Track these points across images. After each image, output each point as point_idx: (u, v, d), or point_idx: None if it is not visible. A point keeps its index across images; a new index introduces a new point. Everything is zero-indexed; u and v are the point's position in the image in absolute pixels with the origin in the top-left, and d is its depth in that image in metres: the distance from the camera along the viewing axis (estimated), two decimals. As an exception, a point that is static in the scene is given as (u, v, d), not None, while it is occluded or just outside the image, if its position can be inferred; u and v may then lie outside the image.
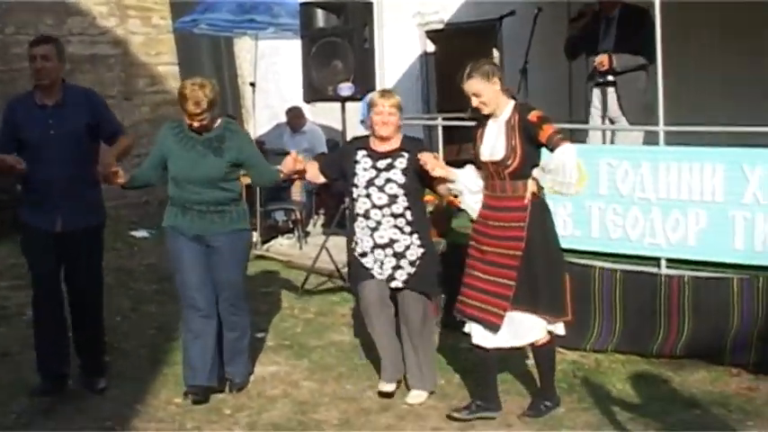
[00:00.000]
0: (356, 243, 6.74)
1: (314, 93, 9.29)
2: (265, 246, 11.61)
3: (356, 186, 6.68)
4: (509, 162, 6.06)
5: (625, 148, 8.43)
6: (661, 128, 7.55)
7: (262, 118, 14.84)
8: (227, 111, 14.66)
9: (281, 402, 6.74)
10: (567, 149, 5.94)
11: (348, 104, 9.28)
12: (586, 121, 9.40)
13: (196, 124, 6.60)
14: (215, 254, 6.72)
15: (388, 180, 6.62)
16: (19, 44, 13.65)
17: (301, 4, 9.11)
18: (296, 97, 11.82)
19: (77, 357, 7.10)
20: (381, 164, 6.67)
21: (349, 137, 9.47)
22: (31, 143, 6.70)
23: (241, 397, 6.81)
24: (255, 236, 10.93)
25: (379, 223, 6.62)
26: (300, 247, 11.59)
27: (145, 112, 15.02)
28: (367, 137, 6.87)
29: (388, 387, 6.75)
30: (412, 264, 6.63)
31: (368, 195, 6.63)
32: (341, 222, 9.64)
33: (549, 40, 10.66)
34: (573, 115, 11.05)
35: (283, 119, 13.53)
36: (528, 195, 6.10)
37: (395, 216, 6.60)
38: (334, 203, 11.79)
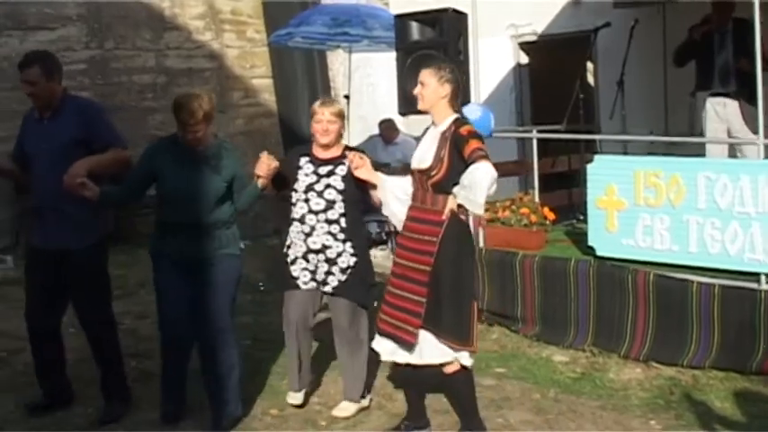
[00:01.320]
0: (288, 248, 6.75)
1: (409, 105, 9.21)
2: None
3: (295, 191, 6.70)
4: (433, 173, 5.91)
5: (723, 161, 8.34)
6: (761, 141, 7.44)
7: (355, 130, 14.89)
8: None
9: (375, 415, 6.76)
10: (482, 167, 5.68)
11: (443, 117, 9.26)
12: (693, 134, 9.30)
13: (190, 136, 6.33)
14: (203, 281, 6.44)
15: (328, 186, 6.65)
16: (118, 59, 13.94)
17: (396, 17, 9.13)
18: (389, 109, 11.88)
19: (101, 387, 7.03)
20: (323, 170, 6.70)
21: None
22: (29, 156, 6.76)
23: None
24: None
25: (313, 228, 6.63)
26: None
27: (239, 125, 15.16)
28: (310, 145, 6.86)
29: (293, 398, 6.86)
30: (343, 271, 6.64)
31: (306, 200, 6.66)
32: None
33: (646, 52, 10.59)
34: (669, 127, 10.95)
35: (376, 131, 13.57)
36: (447, 211, 5.87)
37: (329, 222, 6.62)
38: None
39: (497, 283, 8.61)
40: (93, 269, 6.78)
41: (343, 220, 6.62)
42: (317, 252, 6.62)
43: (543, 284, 8.27)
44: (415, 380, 6.27)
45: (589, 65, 12.45)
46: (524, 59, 13.90)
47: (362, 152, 6.70)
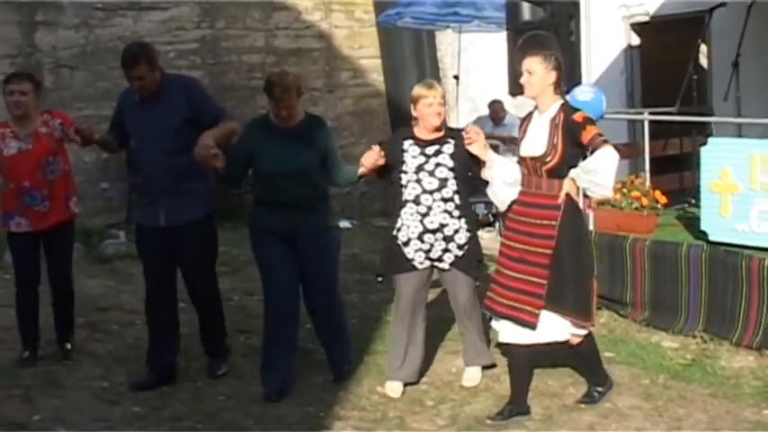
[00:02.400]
0: (398, 230, 6.73)
1: (519, 85, 9.22)
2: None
3: (405, 173, 6.69)
4: (548, 159, 6.02)
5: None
6: None
7: (463, 110, 14.85)
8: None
9: (482, 396, 6.73)
10: (608, 152, 5.90)
11: (553, 98, 9.20)
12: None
13: (284, 112, 6.59)
14: (307, 252, 6.74)
15: (438, 165, 6.65)
16: (228, 39, 14.09)
17: (508, -2, 9.08)
18: (497, 90, 11.82)
19: (202, 344, 7.34)
20: (429, 150, 6.70)
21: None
22: (135, 138, 6.97)
23: (444, 389, 6.85)
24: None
25: (429, 208, 6.62)
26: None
27: (348, 105, 15.23)
28: (410, 128, 6.84)
29: (392, 389, 6.84)
30: (460, 247, 6.68)
31: (418, 180, 6.65)
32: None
33: (763, 32, 10.34)
34: (786, 110, 10.70)
35: (484, 111, 13.52)
36: (563, 195, 6.02)
37: (445, 200, 6.61)
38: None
39: (607, 266, 8.50)
40: (205, 241, 7.03)
41: (456, 198, 6.64)
42: (434, 231, 6.64)
43: (653, 269, 8.14)
44: (526, 362, 6.35)
45: (703, 46, 12.21)
46: (636, 41, 13.68)
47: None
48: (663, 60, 12.50)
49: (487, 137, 6.76)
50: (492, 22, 12.04)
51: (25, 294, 7.47)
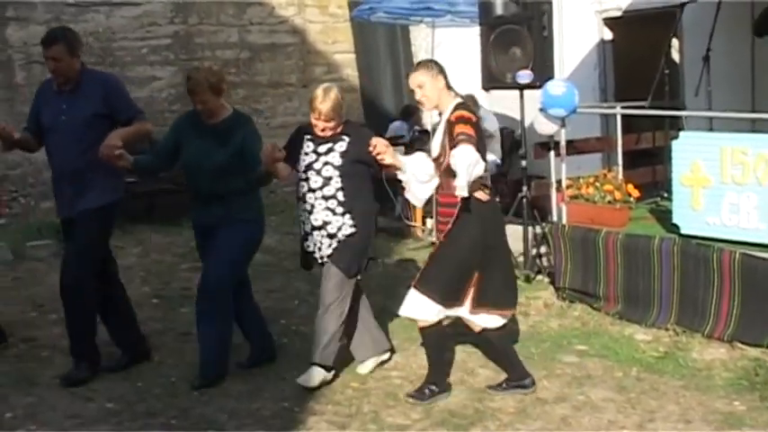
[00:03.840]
0: (300, 227, 6.90)
1: (492, 80, 9.30)
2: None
3: (298, 171, 6.78)
4: (441, 159, 6.29)
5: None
6: None
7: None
8: (404, 100, 14.75)
9: (457, 390, 6.73)
10: (458, 151, 5.97)
11: (526, 92, 9.24)
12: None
13: (199, 106, 6.79)
14: (212, 243, 6.90)
15: (326, 163, 6.70)
16: (201, 34, 14.07)
17: (480, -8, 9.11)
18: (470, 85, 11.82)
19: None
20: (322, 148, 6.75)
21: (527, 125, 9.49)
22: (46, 128, 6.96)
23: (417, 382, 6.82)
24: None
25: (312, 206, 6.70)
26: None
27: (322, 100, 15.22)
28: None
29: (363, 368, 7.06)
30: (340, 242, 6.73)
31: (306, 179, 6.73)
32: (517, 211, 9.57)
33: (732, 27, 10.41)
34: (756, 104, 10.77)
35: (458, 106, 13.53)
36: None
37: (326, 198, 6.67)
38: (508, 191, 11.74)
39: (579, 259, 8.55)
40: (92, 233, 6.96)
41: (340, 194, 6.68)
42: (319, 228, 6.73)
43: (626, 262, 8.19)
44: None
45: (674, 41, 12.26)
46: (608, 35, 13.72)
47: (368, 132, 6.78)
48: (635, 55, 12.56)
49: None
50: (465, 17, 12.03)
51: None
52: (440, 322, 6.52)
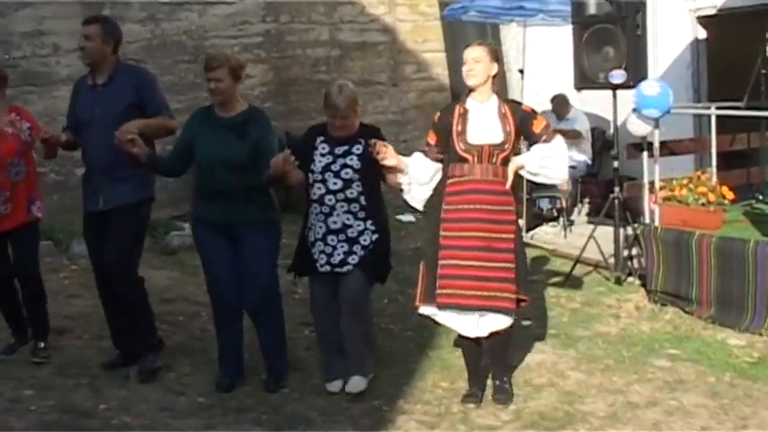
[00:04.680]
0: (309, 230, 6.74)
1: (585, 80, 9.23)
2: (530, 233, 11.56)
3: (312, 172, 6.65)
4: (506, 146, 6.23)
5: None
6: None
7: (528, 105, 14.76)
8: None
9: (546, 392, 6.71)
10: (561, 143, 6.31)
11: (619, 92, 9.15)
12: None
13: (212, 85, 6.58)
14: (242, 244, 6.66)
15: (345, 166, 6.60)
16: (293, 32, 14.13)
17: (573, -9, 9.05)
18: (563, 84, 11.75)
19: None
20: (339, 150, 6.65)
21: (619, 125, 9.39)
22: (81, 121, 6.95)
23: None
24: (521, 223, 10.92)
25: (332, 208, 6.60)
26: (565, 236, 11.49)
27: (411, 99, 15.22)
28: (325, 124, 6.79)
29: (332, 387, 6.78)
30: (364, 248, 6.61)
31: (323, 181, 6.61)
32: (609, 212, 9.49)
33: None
34: None
35: (549, 106, 13.45)
36: (510, 180, 6.27)
37: (348, 201, 6.58)
38: (599, 192, 11.67)
39: (672, 262, 8.45)
40: (130, 227, 6.91)
41: (362, 199, 6.61)
42: (337, 232, 6.64)
43: (720, 265, 8.06)
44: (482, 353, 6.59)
45: (771, 40, 12.05)
46: (702, 34, 13.53)
47: (380, 135, 6.65)
48: (730, 54, 12.34)
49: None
50: (557, 16, 11.95)
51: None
52: None
